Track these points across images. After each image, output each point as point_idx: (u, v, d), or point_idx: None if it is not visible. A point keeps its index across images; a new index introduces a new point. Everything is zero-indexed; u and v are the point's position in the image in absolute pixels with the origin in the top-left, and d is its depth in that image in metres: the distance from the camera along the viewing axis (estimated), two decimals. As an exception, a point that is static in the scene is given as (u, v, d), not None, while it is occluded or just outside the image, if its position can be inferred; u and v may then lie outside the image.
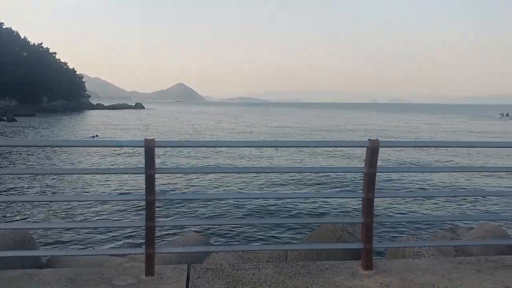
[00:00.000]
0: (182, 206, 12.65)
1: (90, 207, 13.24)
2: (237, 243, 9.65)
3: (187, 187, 15.96)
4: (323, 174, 17.94)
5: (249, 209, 12.76)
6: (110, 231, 10.83)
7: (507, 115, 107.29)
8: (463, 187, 17.08)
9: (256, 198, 13.76)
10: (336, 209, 12.97)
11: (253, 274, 4.67)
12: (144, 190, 4.40)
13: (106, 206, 13.23)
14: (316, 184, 16.79)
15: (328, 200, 13.52)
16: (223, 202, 12.96)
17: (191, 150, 26.80)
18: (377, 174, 4.85)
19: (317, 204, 13.31)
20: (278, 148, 27.16)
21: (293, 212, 12.67)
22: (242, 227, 10.64)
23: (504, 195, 13.44)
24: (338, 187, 16.26)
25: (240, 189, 15.71)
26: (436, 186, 16.94)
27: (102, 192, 16.02)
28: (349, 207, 12.73)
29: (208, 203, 12.82)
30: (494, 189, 16.67)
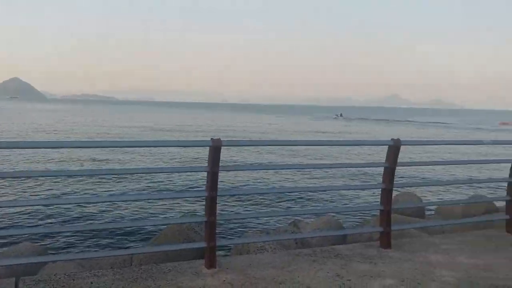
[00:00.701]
0: (12, 214, 11.47)
1: None
2: (77, 250, 9.05)
3: (17, 192, 14.52)
4: (167, 174, 17.61)
5: (90, 214, 12.03)
6: None
7: (341, 115, 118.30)
8: (303, 183, 18.23)
9: (98, 202, 13.08)
10: (184, 209, 12.91)
11: (91, 283, 4.40)
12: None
13: None
14: (161, 185, 16.48)
15: (174, 200, 13.34)
16: (60, 207, 11.99)
17: (18, 152, 23.85)
18: (220, 172, 4.89)
19: (164, 205, 13.10)
20: (121, 149, 26.05)
21: (140, 215, 12.29)
22: (83, 234, 10.01)
23: (338, 189, 14.65)
24: (183, 187, 16.15)
25: (79, 193, 14.74)
26: (279, 182, 17.82)
27: None
28: (200, 207, 12.70)
29: (43, 209, 11.79)
30: (331, 183, 18.05)
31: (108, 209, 12.55)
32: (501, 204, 8.81)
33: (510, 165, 6.78)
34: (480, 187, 16.79)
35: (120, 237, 10.19)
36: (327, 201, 14.53)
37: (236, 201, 13.61)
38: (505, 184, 6.94)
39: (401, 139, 5.70)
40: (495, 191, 15.55)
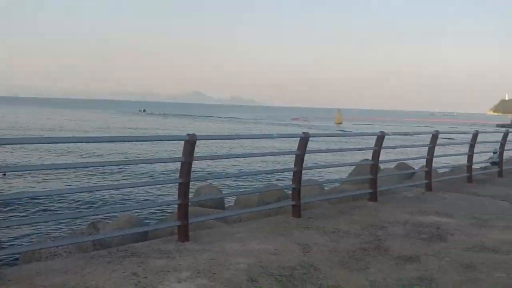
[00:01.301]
0: None
1: None
2: None
3: None
4: None
5: None
6: None
7: (144, 111, 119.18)
8: (102, 181, 17.50)
9: None
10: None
11: None
12: None
13: None
14: None
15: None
16: None
17: None
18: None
19: None
20: None
21: None
22: None
23: (139, 185, 14.38)
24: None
25: None
26: (74, 182, 16.78)
27: None
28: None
29: None
30: (132, 180, 17.63)
31: None
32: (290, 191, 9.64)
33: (295, 157, 7.49)
34: (273, 177, 18.13)
35: None
36: (127, 198, 14.18)
37: (26, 205, 12.42)
38: (291, 174, 7.65)
39: (196, 134, 5.82)
40: (286, 180, 16.96)
